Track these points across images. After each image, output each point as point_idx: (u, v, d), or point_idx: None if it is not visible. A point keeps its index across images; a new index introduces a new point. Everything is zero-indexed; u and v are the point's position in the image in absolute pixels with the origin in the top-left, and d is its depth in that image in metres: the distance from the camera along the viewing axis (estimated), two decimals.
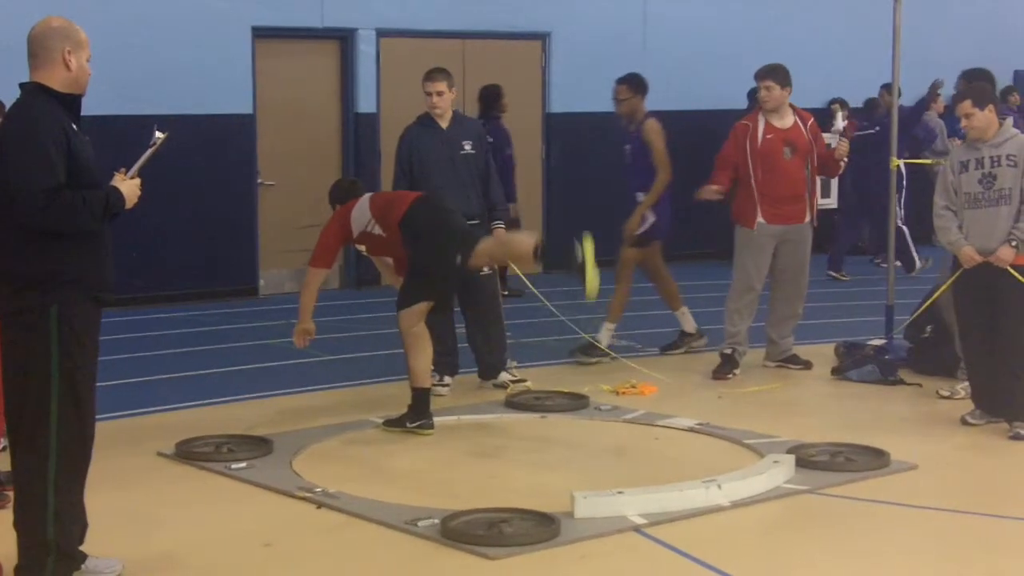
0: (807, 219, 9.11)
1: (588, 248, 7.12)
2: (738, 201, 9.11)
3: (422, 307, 7.47)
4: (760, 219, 8.99)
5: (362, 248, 7.91)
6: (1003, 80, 16.90)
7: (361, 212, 7.69)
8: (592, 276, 7.13)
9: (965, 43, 16.25)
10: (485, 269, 8.36)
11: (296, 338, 7.84)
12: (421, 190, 8.41)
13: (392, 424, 7.55)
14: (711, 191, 9.08)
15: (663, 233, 9.60)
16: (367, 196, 7.84)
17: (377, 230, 7.62)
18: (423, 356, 7.49)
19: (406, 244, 7.51)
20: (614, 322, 9.52)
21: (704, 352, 9.50)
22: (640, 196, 9.41)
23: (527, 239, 7.47)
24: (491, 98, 12.29)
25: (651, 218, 9.45)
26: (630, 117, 9.57)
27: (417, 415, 7.50)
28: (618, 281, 9.54)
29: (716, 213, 9.70)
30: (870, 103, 14.90)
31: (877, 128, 13.52)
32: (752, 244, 9.05)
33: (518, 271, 9.14)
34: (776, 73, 9.02)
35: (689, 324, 9.81)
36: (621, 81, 9.68)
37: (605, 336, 9.43)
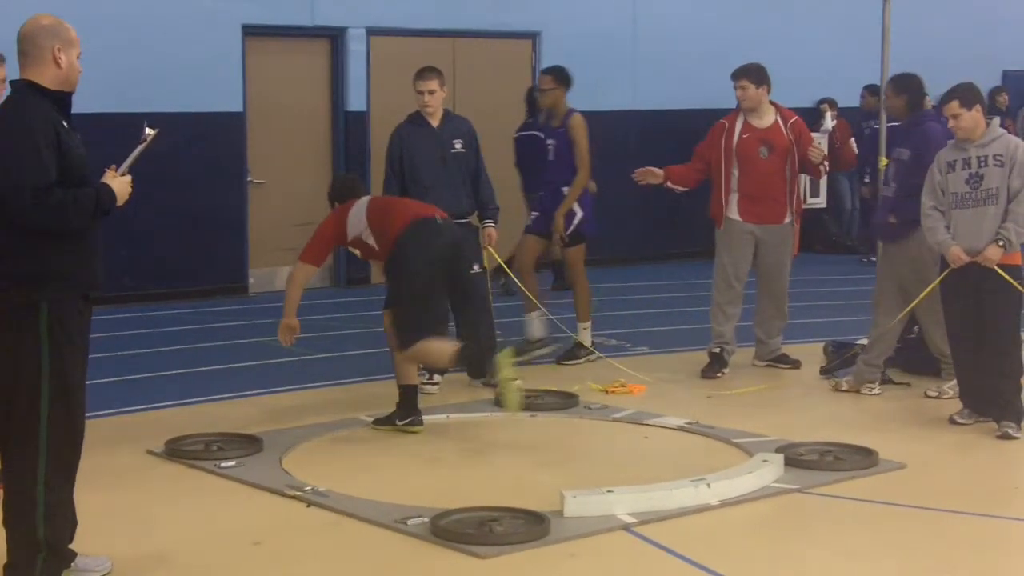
0: (786, 220, 9.11)
1: (505, 364, 7.02)
2: (712, 200, 9.15)
3: None
4: (733, 216, 9.02)
5: (356, 252, 7.84)
6: (992, 81, 17.01)
7: (358, 217, 7.57)
8: (511, 396, 7.02)
9: (954, 44, 16.29)
10: (475, 267, 8.35)
11: (280, 335, 7.77)
12: (411, 189, 8.42)
13: (381, 423, 7.56)
14: (650, 172, 9.11)
15: (592, 231, 9.53)
16: (366, 200, 7.70)
17: (371, 240, 7.52)
18: None
19: (394, 263, 7.42)
20: (586, 321, 9.45)
21: (693, 351, 9.50)
22: (567, 191, 9.30)
23: (449, 349, 7.23)
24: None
25: (579, 212, 9.34)
26: (552, 111, 9.48)
27: (405, 412, 7.51)
28: (572, 285, 9.49)
29: (701, 212, 9.71)
30: None
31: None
32: (727, 242, 9.09)
33: (508, 270, 9.13)
34: (750, 72, 9.04)
35: (537, 330, 9.50)
36: (547, 72, 9.61)
37: (585, 337, 9.42)
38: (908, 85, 8.49)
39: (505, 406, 7.12)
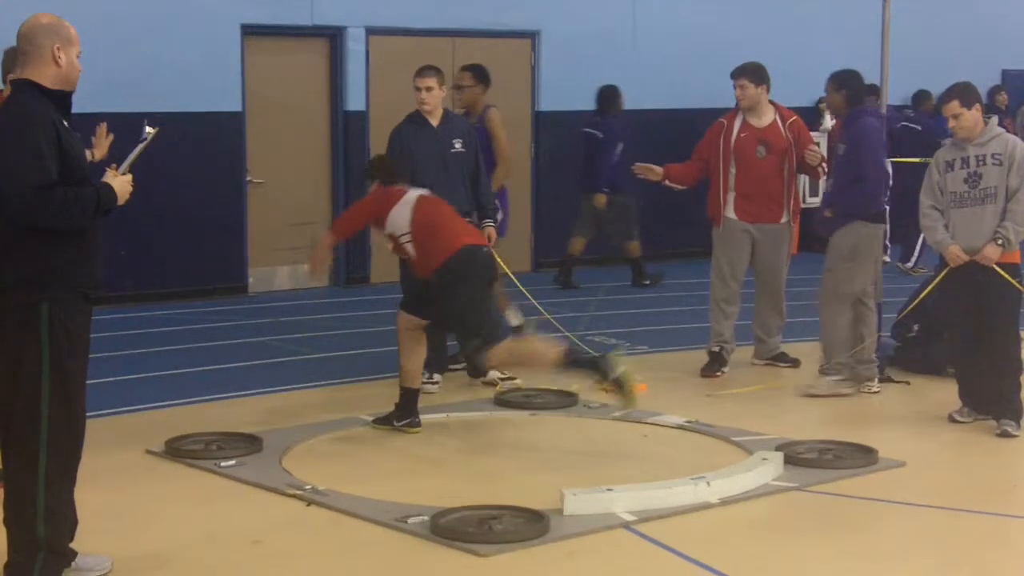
0: (783, 219, 9.12)
1: (620, 365, 6.88)
2: (710, 199, 9.16)
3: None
4: (730, 215, 9.03)
5: (388, 244, 7.65)
6: (991, 80, 17.02)
7: (401, 216, 7.36)
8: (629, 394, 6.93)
9: (953, 43, 16.31)
10: None
11: (312, 262, 7.69)
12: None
13: (381, 422, 7.57)
14: (649, 169, 9.09)
15: (504, 231, 9.30)
16: (413, 199, 7.41)
17: (410, 247, 7.37)
18: (416, 357, 7.48)
19: (445, 288, 7.26)
20: (506, 307, 9.22)
21: (692, 350, 9.50)
22: None
23: (551, 351, 7.07)
24: (610, 97, 12.75)
25: (499, 213, 9.02)
26: (470, 108, 9.36)
27: (404, 414, 7.51)
28: None
29: (699, 211, 9.73)
30: (918, 97, 14.91)
31: (920, 128, 13.71)
32: (724, 240, 9.10)
33: (506, 269, 9.12)
34: (749, 71, 9.04)
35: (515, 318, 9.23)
36: (466, 68, 9.44)
37: (514, 317, 9.19)
38: (847, 81, 8.50)
39: (627, 403, 7.02)
